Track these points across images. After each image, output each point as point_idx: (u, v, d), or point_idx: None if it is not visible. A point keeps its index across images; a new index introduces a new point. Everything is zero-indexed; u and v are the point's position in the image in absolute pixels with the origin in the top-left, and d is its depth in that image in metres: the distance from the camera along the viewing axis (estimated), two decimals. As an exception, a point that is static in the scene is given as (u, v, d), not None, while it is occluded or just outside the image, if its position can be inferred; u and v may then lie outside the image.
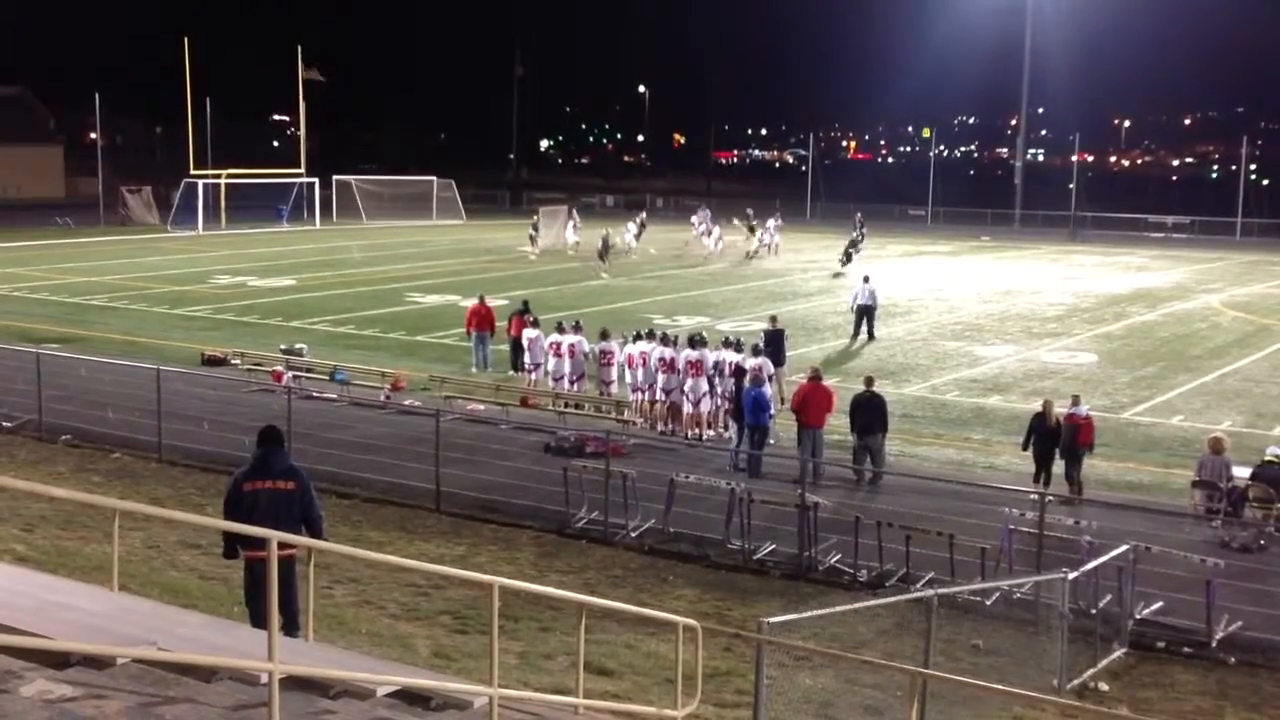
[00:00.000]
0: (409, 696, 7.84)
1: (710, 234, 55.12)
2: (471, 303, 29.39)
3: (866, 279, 33.98)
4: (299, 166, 70.16)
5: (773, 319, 27.07)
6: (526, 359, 25.84)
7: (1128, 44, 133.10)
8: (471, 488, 19.07)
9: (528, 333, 25.84)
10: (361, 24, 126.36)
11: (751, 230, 55.43)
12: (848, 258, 48.89)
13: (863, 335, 32.89)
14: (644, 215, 62.38)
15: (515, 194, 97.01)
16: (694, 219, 58.90)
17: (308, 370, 26.76)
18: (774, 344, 24.99)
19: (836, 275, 46.95)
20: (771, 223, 56.48)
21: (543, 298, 37.91)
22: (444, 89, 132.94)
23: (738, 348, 22.76)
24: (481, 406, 24.26)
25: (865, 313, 33.02)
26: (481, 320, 28.41)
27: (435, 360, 29.40)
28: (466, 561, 15.54)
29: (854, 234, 51.50)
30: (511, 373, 27.27)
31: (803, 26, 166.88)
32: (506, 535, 17.26)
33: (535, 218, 58.51)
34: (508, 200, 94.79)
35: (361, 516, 17.78)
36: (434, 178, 77.61)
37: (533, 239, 55.78)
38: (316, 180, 70.79)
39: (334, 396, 25.13)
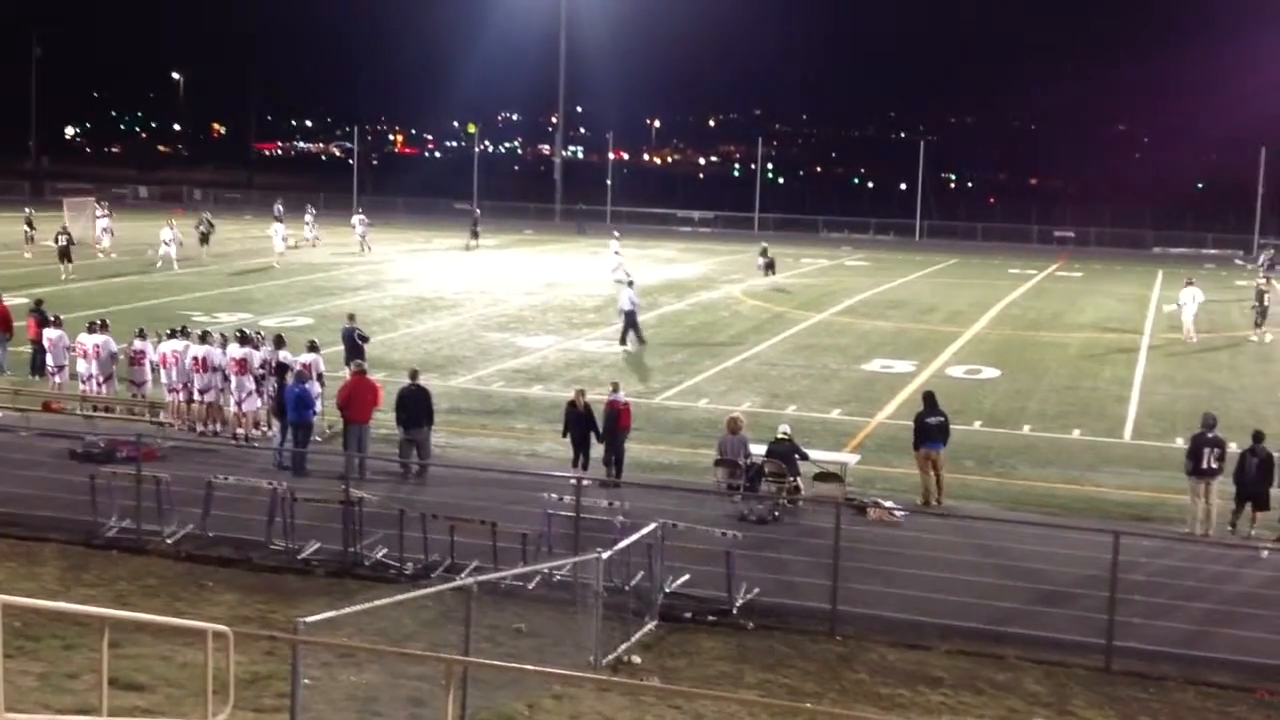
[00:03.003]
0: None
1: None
2: (-16, 302, 27.15)
3: (630, 284, 33.70)
4: None
5: (350, 316, 26.92)
6: (49, 361, 24.10)
7: (658, 48, 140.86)
8: (-15, 502, 17.62)
9: (48, 333, 24.11)
10: None
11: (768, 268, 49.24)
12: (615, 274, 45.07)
13: (630, 340, 32.06)
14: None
15: (36, 184, 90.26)
16: (612, 245, 50.38)
17: None
18: (349, 341, 25.21)
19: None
20: (309, 216, 55.25)
21: (69, 295, 35.57)
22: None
23: (279, 343, 22.21)
24: (-2, 413, 22.45)
25: (628, 317, 32.27)
26: (-3, 320, 26.29)
27: (-59, 365, 26.88)
28: (-22, 582, 14.36)
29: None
30: (32, 377, 25.36)
31: (348, 17, 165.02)
32: (27, 550, 16.10)
33: (28, 212, 52.74)
34: (27, 190, 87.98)
35: None
36: (-65, 166, 70.73)
37: (29, 237, 49.94)
38: None
39: None
